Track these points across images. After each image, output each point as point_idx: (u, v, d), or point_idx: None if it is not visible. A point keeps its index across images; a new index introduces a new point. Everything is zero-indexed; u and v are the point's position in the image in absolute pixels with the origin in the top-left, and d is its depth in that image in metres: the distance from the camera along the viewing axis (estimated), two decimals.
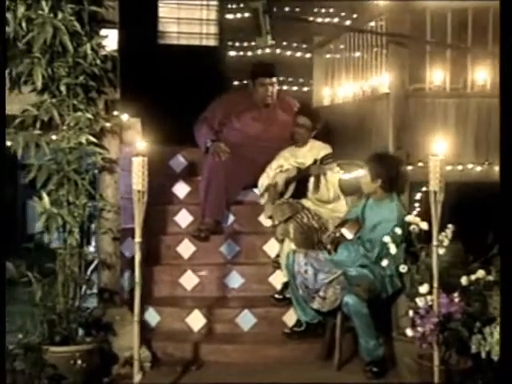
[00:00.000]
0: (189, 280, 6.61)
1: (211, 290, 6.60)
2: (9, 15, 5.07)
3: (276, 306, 6.35)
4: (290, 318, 6.22)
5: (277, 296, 6.42)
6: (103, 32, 5.47)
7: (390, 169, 5.79)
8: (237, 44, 9.61)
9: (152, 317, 6.21)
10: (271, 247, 6.80)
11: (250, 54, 9.51)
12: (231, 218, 7.02)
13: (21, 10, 5.04)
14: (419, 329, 4.81)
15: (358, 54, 6.86)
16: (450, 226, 5.17)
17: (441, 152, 4.64)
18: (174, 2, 9.86)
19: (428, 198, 5.76)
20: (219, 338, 6.11)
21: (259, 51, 9.39)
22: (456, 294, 4.93)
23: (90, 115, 5.31)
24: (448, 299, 4.83)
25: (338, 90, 7.38)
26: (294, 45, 8.82)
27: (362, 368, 5.63)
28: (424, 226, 5.27)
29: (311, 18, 7.03)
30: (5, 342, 4.60)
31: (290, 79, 8.91)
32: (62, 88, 5.30)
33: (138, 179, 4.57)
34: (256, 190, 7.04)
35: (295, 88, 8.76)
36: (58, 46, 5.18)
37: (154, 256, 6.66)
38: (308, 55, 8.59)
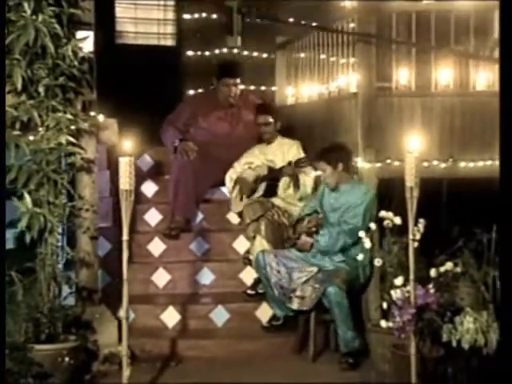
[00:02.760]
0: (160, 277, 6.72)
1: (183, 286, 6.71)
2: None
3: (248, 301, 6.49)
4: (263, 312, 6.37)
5: (249, 291, 6.56)
6: (80, 34, 5.53)
7: (347, 153, 6.03)
8: (194, 44, 9.70)
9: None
10: (240, 244, 6.94)
11: (207, 53, 9.60)
12: (200, 216, 7.14)
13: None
14: (397, 319, 4.98)
15: (322, 53, 7.02)
16: (421, 220, 5.37)
17: (416, 149, 4.82)
18: (130, 1, 9.89)
19: (393, 193, 6.03)
20: (195, 333, 6.23)
21: (217, 51, 9.49)
22: (431, 286, 5.14)
23: (69, 116, 5.37)
24: (424, 290, 5.03)
25: (303, 90, 7.54)
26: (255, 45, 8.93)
27: (338, 359, 5.81)
28: (397, 220, 5.48)
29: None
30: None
31: (252, 79, 9.02)
32: (41, 89, 5.35)
33: (126, 179, 4.67)
34: (223, 189, 7.18)
35: (252, 87, 8.87)
36: (37, 48, 5.23)
37: None
38: (266, 55, 8.69)
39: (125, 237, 4.84)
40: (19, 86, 5.26)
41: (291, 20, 6.70)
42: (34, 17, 5.14)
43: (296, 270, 5.98)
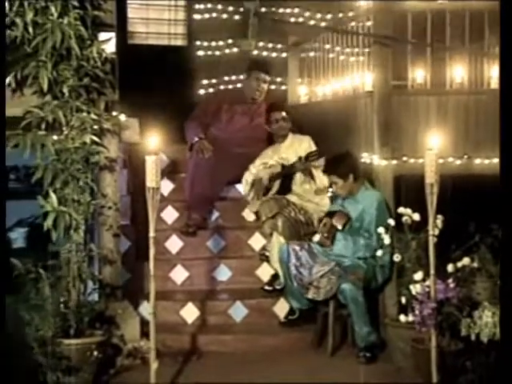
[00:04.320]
0: (179, 274, 6.83)
1: (201, 283, 6.82)
2: (17, 20, 5.22)
3: (266, 297, 6.60)
4: (280, 308, 6.48)
5: (267, 287, 6.68)
6: (102, 35, 5.64)
7: (351, 159, 6.14)
8: (205, 44, 9.81)
9: (147, 310, 6.39)
10: (256, 241, 7.05)
11: (217, 53, 9.71)
12: (216, 214, 7.25)
13: (29, 15, 5.19)
14: (418, 313, 5.09)
15: (336, 53, 7.13)
16: (439, 216, 5.47)
17: (436, 146, 4.93)
18: (142, 1, 9.99)
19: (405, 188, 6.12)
20: (214, 329, 6.34)
21: (227, 50, 9.60)
22: (450, 280, 5.24)
23: (94, 116, 5.48)
24: (444, 285, 5.14)
25: (316, 89, 7.64)
26: (270, 45, 9.03)
27: (355, 353, 5.92)
28: (416, 216, 5.59)
29: (292, 19, 7.24)
30: (5, 337, 4.75)
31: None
32: (65, 90, 5.45)
33: (152, 177, 4.76)
34: (238, 186, 7.28)
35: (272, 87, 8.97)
36: (63, 50, 5.33)
37: (143, 252, 6.82)
38: (283, 54, 8.80)
39: (151, 233, 4.95)
40: (45, 87, 5.36)
41: (309, 23, 6.76)
42: (60, 20, 5.24)
43: (317, 264, 6.09)
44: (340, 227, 6.08)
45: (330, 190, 6.44)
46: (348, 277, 5.87)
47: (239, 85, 8.52)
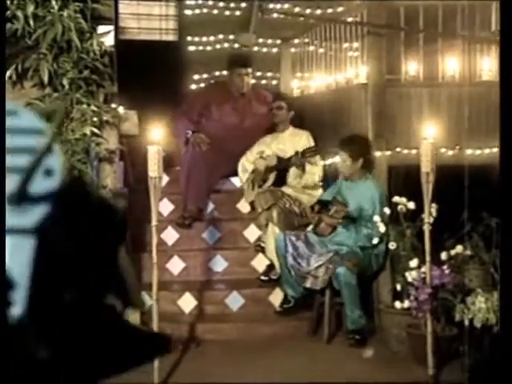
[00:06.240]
0: (175, 265, 6.92)
1: (197, 274, 6.91)
2: (18, 13, 5.29)
3: (262, 286, 6.71)
4: (276, 297, 6.58)
5: (262, 277, 6.78)
6: (101, 28, 5.72)
7: (369, 148, 6.21)
8: (196, 39, 9.89)
9: (145, 300, 6.48)
10: (251, 233, 7.14)
11: (208, 48, 9.79)
12: (211, 206, 7.34)
13: (30, 8, 5.26)
14: (414, 299, 5.21)
15: (329, 46, 7.23)
16: (433, 204, 5.58)
17: (431, 136, 5.04)
18: None
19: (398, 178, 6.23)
20: (211, 318, 6.44)
21: (218, 46, 9.69)
22: (445, 267, 5.37)
23: (94, 107, 5.56)
24: (439, 271, 5.26)
25: (309, 82, 7.75)
26: (260, 40, 9.13)
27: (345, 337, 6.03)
28: (411, 205, 5.71)
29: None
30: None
31: (258, 73, 9.23)
32: (65, 82, 5.53)
33: (154, 166, 4.86)
34: (233, 179, 7.39)
35: (263, 81, 9.06)
36: (63, 42, 5.41)
37: (139, 243, 6.93)
38: (275, 49, 8.90)
39: (154, 222, 5.05)
40: (46, 79, 5.44)
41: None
42: (60, 12, 5.32)
43: (314, 255, 6.18)
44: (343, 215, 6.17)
45: (338, 165, 6.44)
46: (343, 262, 5.97)
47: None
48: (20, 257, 0.89)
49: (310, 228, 6.38)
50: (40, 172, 0.93)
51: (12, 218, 0.90)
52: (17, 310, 0.88)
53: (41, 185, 0.92)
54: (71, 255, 0.94)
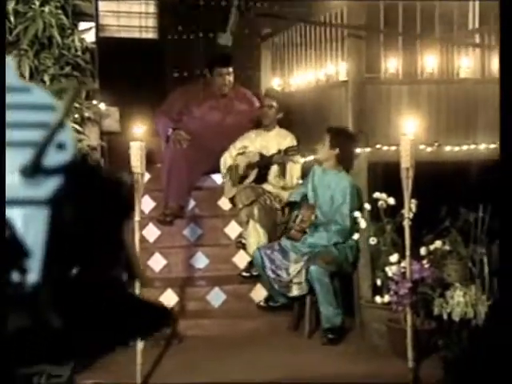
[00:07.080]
0: (157, 262, 6.93)
1: (179, 270, 6.94)
2: None
3: (243, 282, 6.74)
4: (257, 293, 6.62)
5: (244, 274, 6.80)
6: (82, 25, 5.73)
7: (348, 142, 6.25)
8: (175, 37, 9.94)
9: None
10: (232, 229, 7.18)
11: (187, 46, 9.84)
12: (192, 203, 7.36)
13: (11, 4, 5.26)
14: (394, 294, 5.27)
15: (309, 44, 7.28)
16: (413, 200, 5.64)
17: (411, 132, 5.10)
18: None
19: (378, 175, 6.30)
20: (193, 314, 6.46)
21: (198, 43, 9.74)
22: (425, 261, 5.43)
23: (75, 104, 5.56)
24: (419, 265, 5.33)
25: (290, 80, 7.79)
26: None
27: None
28: (391, 201, 5.77)
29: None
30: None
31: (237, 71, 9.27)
32: (46, 78, 5.54)
33: (137, 162, 4.88)
34: (214, 176, 7.42)
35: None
36: (44, 39, 5.42)
37: None
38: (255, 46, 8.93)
39: (137, 217, 5.06)
40: (27, 75, 5.43)
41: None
42: (41, 8, 5.33)
43: (291, 263, 6.20)
44: (313, 218, 6.23)
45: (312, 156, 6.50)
46: (316, 260, 6.02)
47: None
48: (34, 227, 0.93)
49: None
50: (52, 146, 0.96)
51: (26, 190, 0.93)
52: (32, 277, 0.92)
53: (53, 158, 0.96)
54: (82, 226, 0.98)
